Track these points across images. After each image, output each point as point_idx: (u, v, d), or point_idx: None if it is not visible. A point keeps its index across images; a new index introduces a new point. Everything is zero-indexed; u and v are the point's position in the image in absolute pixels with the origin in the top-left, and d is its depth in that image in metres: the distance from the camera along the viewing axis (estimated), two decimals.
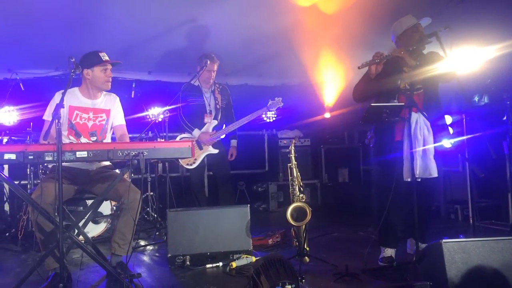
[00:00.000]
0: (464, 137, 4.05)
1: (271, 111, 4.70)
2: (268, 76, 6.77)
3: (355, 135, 7.35)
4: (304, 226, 3.39)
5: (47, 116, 3.29)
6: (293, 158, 3.67)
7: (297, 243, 3.43)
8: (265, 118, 5.52)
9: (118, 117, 3.53)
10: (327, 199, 6.67)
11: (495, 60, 4.49)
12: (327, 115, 6.68)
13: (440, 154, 3.33)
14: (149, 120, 5.36)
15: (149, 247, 4.33)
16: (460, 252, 2.59)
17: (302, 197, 3.56)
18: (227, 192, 4.65)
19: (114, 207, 4.50)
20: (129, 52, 5.22)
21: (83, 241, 3.19)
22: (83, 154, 2.80)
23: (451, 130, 3.50)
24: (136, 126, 5.19)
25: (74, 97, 3.38)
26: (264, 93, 6.41)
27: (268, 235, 4.23)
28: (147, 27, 4.99)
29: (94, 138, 3.38)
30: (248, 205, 3.76)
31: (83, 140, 3.33)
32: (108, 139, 3.46)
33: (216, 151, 4.50)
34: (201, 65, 4.47)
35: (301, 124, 6.91)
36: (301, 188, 3.61)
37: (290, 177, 3.65)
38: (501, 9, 4.36)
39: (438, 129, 3.29)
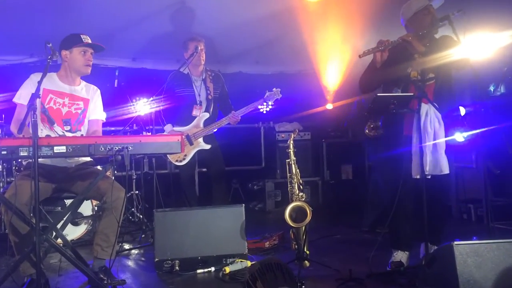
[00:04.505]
0: (478, 131, 4.07)
1: (269, 103, 4.66)
2: (265, 63, 6.77)
3: (360, 128, 7.36)
4: (304, 228, 3.40)
5: (18, 98, 3.28)
6: (292, 153, 3.68)
7: (296, 246, 3.45)
8: (261, 108, 5.49)
9: (96, 111, 3.52)
10: (329, 198, 6.68)
11: None
12: (329, 106, 6.68)
13: (452, 149, 3.34)
14: (134, 112, 5.34)
15: (134, 251, 4.34)
16: (473, 255, 2.61)
17: (301, 196, 3.57)
18: (220, 190, 4.65)
19: (96, 207, 4.50)
20: (112, 37, 5.20)
21: (61, 245, 3.19)
22: (62, 149, 2.79)
23: (464, 123, 3.52)
24: (119, 118, 5.18)
25: (50, 81, 3.38)
26: (260, 82, 6.42)
27: (265, 238, 4.25)
28: (131, 9, 4.98)
29: (68, 128, 3.37)
30: (243, 204, 3.77)
31: (57, 128, 3.32)
32: (83, 132, 3.46)
33: (208, 146, 4.50)
34: (187, 51, 4.47)
35: (301, 116, 6.91)
36: (301, 186, 3.62)
37: (288, 174, 3.66)
38: None
39: (451, 122, 3.30)
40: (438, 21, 3.28)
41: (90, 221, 4.54)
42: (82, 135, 3.41)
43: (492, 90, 5.04)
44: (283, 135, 6.74)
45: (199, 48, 4.45)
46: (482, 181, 5.07)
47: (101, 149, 2.83)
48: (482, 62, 4.51)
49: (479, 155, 5.01)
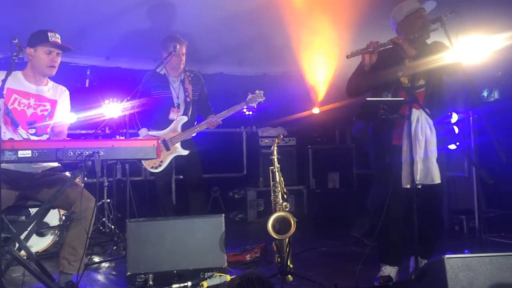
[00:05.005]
0: (471, 138, 4.13)
1: (251, 106, 4.67)
2: (247, 64, 6.77)
3: (348, 134, 7.41)
4: (287, 240, 3.40)
5: None
6: (275, 160, 3.68)
7: (279, 259, 3.44)
8: (245, 111, 5.44)
9: (62, 113, 3.49)
10: (315, 208, 6.71)
11: (507, 50, 4.58)
12: (315, 110, 6.71)
13: (443, 157, 3.38)
14: (106, 114, 5.30)
15: (105, 264, 4.30)
16: (465, 269, 2.64)
17: (285, 205, 3.57)
18: (198, 199, 4.63)
19: (63, 217, 4.45)
20: (84, 34, 5.15)
21: (25, 257, 3.15)
22: (27, 153, 2.76)
23: (456, 130, 3.57)
24: (90, 121, 5.13)
25: (15, 80, 3.33)
26: (242, 84, 6.42)
27: (246, 250, 4.25)
28: (105, 4, 4.93)
29: (32, 131, 3.34)
30: (223, 214, 3.75)
31: (21, 131, 3.29)
32: (50, 135, 3.42)
33: (186, 152, 4.49)
34: (167, 50, 4.45)
35: (286, 121, 6.94)
36: (285, 195, 3.62)
37: (272, 183, 3.66)
38: None
39: (442, 132, 3.34)
40: (430, 25, 3.33)
41: (57, 231, 4.49)
42: (48, 138, 3.37)
43: (485, 95, 5.11)
44: (266, 141, 6.75)
45: (181, 52, 4.44)
46: (474, 191, 5.13)
47: (70, 154, 2.80)
48: (475, 66, 4.58)
49: (471, 163, 5.07)
